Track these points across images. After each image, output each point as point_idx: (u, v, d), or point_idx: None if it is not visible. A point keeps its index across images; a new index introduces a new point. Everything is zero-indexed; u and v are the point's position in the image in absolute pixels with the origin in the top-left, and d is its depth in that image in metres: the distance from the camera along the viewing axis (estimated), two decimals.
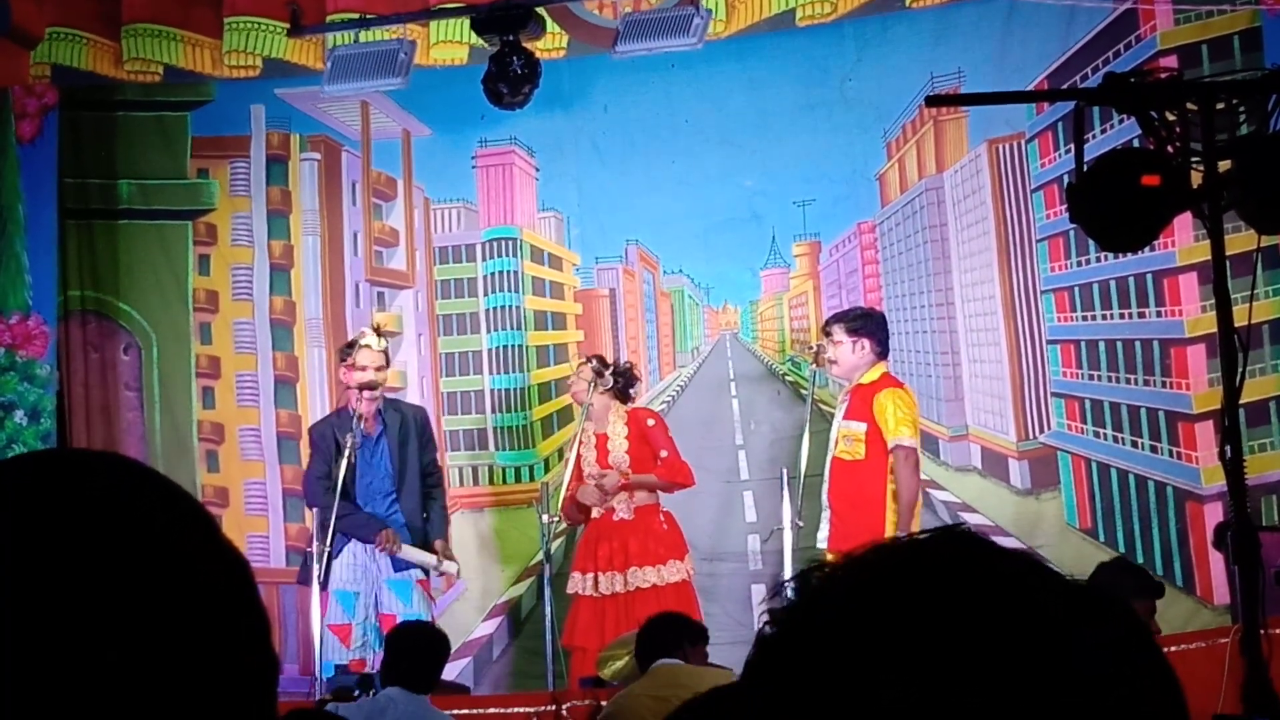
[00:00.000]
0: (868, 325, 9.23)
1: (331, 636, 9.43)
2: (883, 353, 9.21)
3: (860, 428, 9.00)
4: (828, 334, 9.26)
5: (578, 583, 9.56)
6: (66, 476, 1.27)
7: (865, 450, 8.98)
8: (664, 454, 9.53)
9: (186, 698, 1.18)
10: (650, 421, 9.69)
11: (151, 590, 1.19)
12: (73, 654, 1.15)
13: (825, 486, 9.17)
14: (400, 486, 9.54)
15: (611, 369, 9.68)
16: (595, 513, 9.60)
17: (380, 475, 9.53)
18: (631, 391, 9.85)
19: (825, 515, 9.11)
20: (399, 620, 9.19)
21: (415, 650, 7.33)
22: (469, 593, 11.11)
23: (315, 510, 9.18)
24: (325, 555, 8.97)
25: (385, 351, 9.69)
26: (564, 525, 10.04)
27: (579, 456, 9.67)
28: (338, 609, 9.42)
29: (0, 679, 1.15)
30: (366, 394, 9.41)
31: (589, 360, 9.75)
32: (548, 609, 9.23)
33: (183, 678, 1.18)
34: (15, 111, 11.12)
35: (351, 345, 9.62)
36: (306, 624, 9.51)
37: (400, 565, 9.47)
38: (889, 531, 8.79)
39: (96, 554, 1.19)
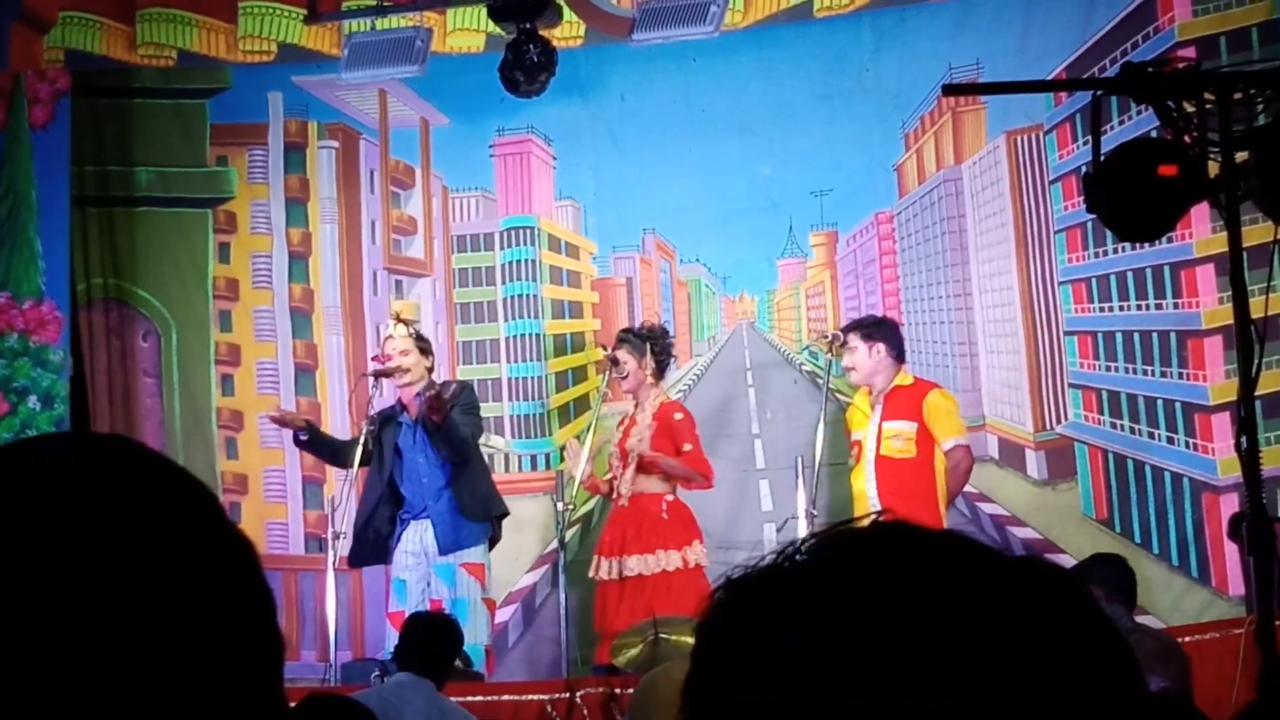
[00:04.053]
0: (880, 330, 9.38)
1: (388, 625, 9.49)
2: (899, 356, 9.33)
3: (910, 427, 9.14)
4: (844, 344, 9.38)
5: (595, 566, 9.61)
6: (70, 460, 1.28)
7: (916, 449, 9.10)
8: (687, 447, 9.54)
9: (192, 680, 1.19)
10: (678, 415, 9.66)
11: (154, 574, 1.20)
12: (77, 638, 1.16)
13: (870, 485, 9.22)
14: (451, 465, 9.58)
15: (648, 346, 9.67)
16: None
17: (423, 457, 9.53)
18: (667, 366, 9.89)
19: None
20: (445, 605, 9.27)
21: (426, 640, 7.39)
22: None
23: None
24: (338, 538, 9.06)
25: (413, 336, 9.68)
26: (580, 511, 10.12)
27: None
28: (393, 597, 9.51)
29: (4, 659, 1.16)
30: (384, 380, 9.46)
31: (609, 354, 9.73)
32: (562, 596, 9.25)
33: (186, 661, 1.19)
34: (28, 97, 11.12)
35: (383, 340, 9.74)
36: (323, 610, 9.54)
37: (445, 548, 9.50)
38: (944, 524, 8.96)
39: (100, 536, 1.20)
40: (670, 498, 9.56)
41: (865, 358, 9.28)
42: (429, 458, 9.53)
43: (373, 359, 9.67)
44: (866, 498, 9.23)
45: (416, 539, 9.51)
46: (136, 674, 1.16)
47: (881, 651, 1.00)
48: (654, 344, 9.68)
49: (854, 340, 9.33)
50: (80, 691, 1.16)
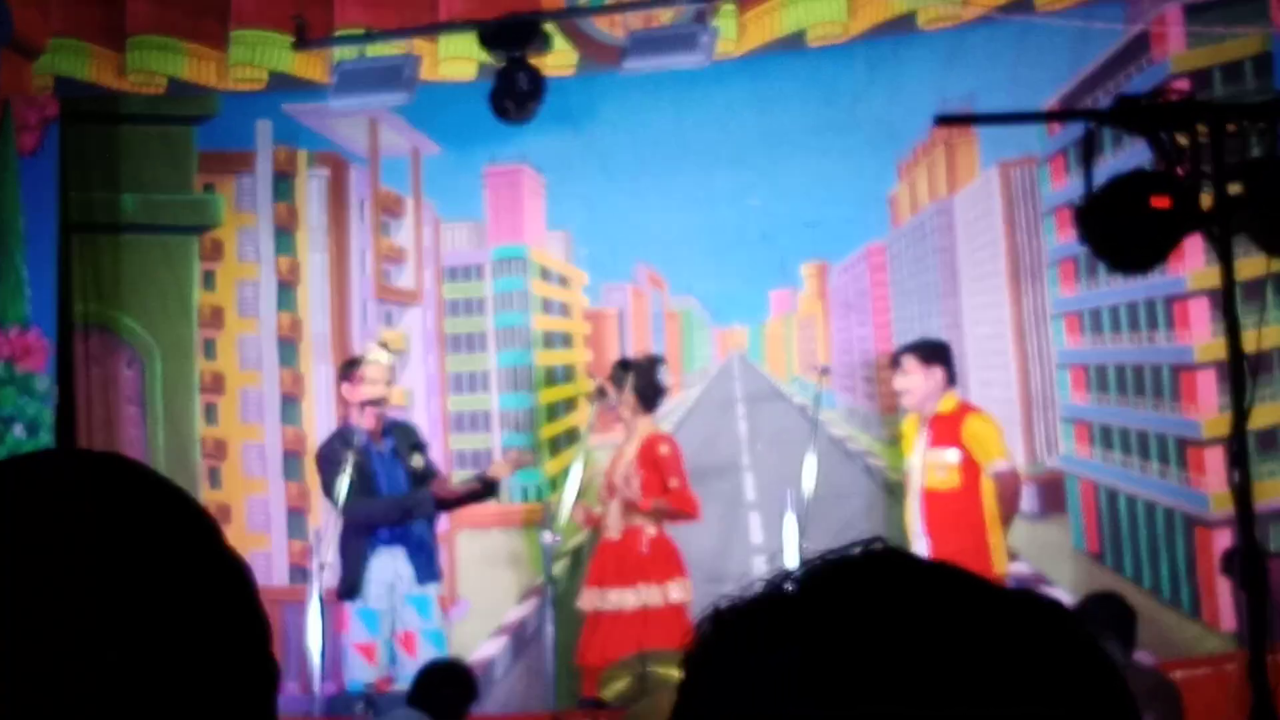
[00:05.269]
0: (939, 353, 9.34)
1: (357, 655, 9.42)
2: (952, 379, 9.29)
3: (954, 455, 9.12)
4: (898, 365, 9.34)
5: (581, 598, 9.59)
6: (67, 476, 1.26)
7: (960, 478, 9.05)
8: (674, 483, 9.50)
9: (185, 704, 1.17)
10: (664, 449, 9.62)
11: (150, 595, 1.18)
12: (70, 658, 1.14)
13: (917, 517, 9.18)
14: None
15: (629, 380, 9.63)
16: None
17: (395, 486, 9.49)
18: (656, 397, 9.81)
19: (922, 544, 9.11)
20: (418, 636, 9.21)
21: (442, 687, 7.37)
22: (473, 612, 11.09)
23: (339, 525, 9.17)
24: (324, 569, 8.93)
25: (392, 366, 9.68)
26: (570, 544, 10.12)
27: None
28: (361, 627, 9.42)
29: (3, 659, 1.14)
30: (372, 409, 9.39)
31: (598, 384, 9.74)
32: (549, 629, 9.21)
33: (181, 684, 1.17)
34: (16, 123, 11.10)
35: (355, 361, 9.60)
36: (306, 641, 9.46)
37: (424, 578, 9.44)
38: (995, 553, 9.01)
39: (95, 556, 1.18)
40: (653, 532, 9.53)
41: (921, 382, 9.24)
42: (400, 487, 9.50)
43: (346, 380, 9.57)
44: (912, 530, 9.21)
45: (389, 569, 9.44)
46: (128, 694, 1.15)
47: (880, 666, 0.99)
48: (637, 375, 9.64)
49: (910, 363, 9.27)
50: (79, 693, 1.14)
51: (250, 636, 1.25)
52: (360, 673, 9.38)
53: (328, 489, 9.57)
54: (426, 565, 9.50)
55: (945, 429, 9.17)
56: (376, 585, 9.41)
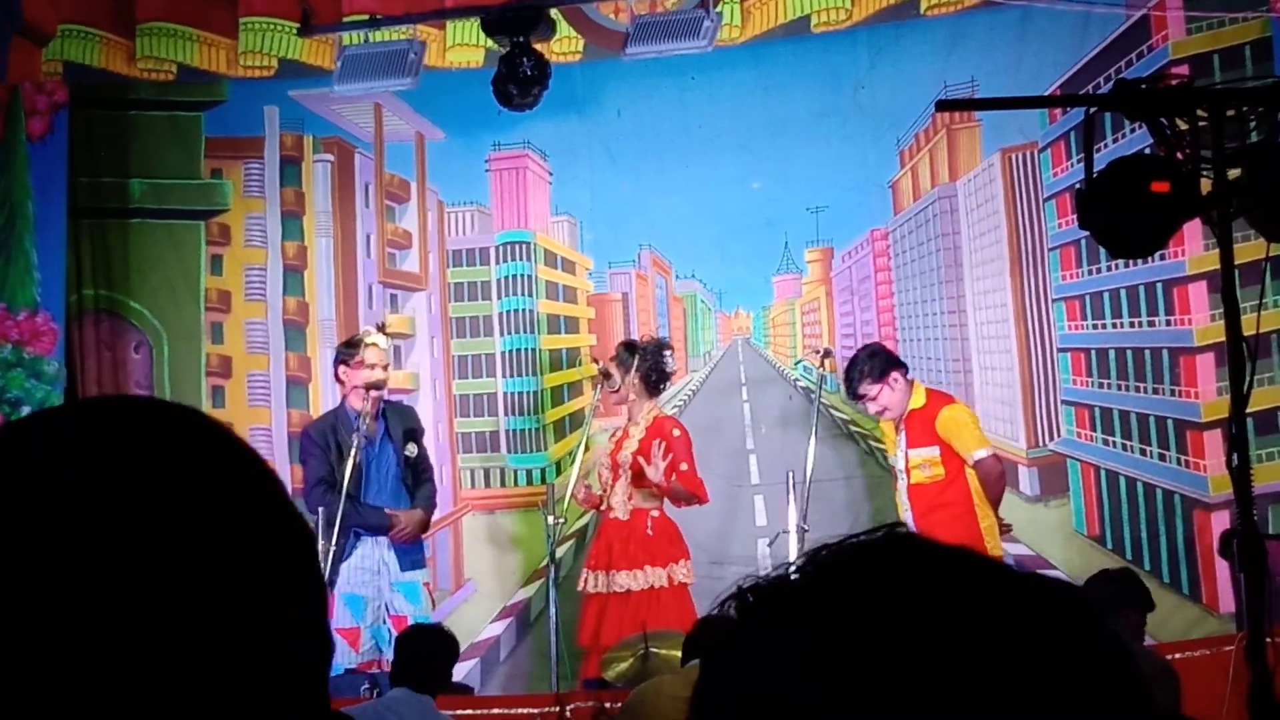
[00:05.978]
0: (882, 361, 9.24)
1: (340, 640, 9.36)
2: (906, 370, 9.26)
3: (934, 451, 9.09)
4: (861, 396, 9.29)
5: (583, 580, 9.60)
6: (134, 427, 1.25)
7: (945, 470, 9.05)
8: (684, 466, 9.47)
9: (242, 673, 1.18)
10: (676, 432, 9.59)
11: (212, 557, 1.18)
12: (76, 638, 1.14)
13: (908, 515, 9.18)
14: (408, 485, 9.52)
15: (635, 362, 9.61)
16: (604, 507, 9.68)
17: (387, 475, 9.48)
18: (661, 382, 9.78)
19: None
20: (410, 621, 9.18)
21: (423, 652, 7.33)
22: (478, 594, 11.12)
23: (321, 511, 9.04)
24: (331, 555, 8.87)
25: (390, 349, 9.67)
26: (574, 526, 10.15)
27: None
28: (345, 613, 9.34)
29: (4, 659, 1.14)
30: (372, 393, 9.36)
31: (602, 367, 9.73)
32: (553, 610, 9.24)
33: (238, 653, 1.18)
34: (25, 109, 11.10)
35: (352, 344, 9.55)
36: None
37: (408, 565, 9.45)
38: (987, 537, 9.01)
39: (156, 507, 1.18)
40: (656, 514, 9.51)
41: (890, 394, 9.18)
42: (391, 475, 9.49)
43: (344, 364, 9.52)
44: (904, 522, 9.20)
45: (374, 556, 9.43)
46: (140, 675, 1.15)
47: (887, 650, 1.01)
48: (642, 357, 9.62)
49: (869, 389, 9.18)
50: (82, 692, 1.14)
51: (314, 605, 1.25)
52: (344, 657, 9.28)
53: (304, 463, 9.55)
54: (410, 553, 9.48)
55: (920, 427, 9.14)
56: (361, 572, 9.39)
